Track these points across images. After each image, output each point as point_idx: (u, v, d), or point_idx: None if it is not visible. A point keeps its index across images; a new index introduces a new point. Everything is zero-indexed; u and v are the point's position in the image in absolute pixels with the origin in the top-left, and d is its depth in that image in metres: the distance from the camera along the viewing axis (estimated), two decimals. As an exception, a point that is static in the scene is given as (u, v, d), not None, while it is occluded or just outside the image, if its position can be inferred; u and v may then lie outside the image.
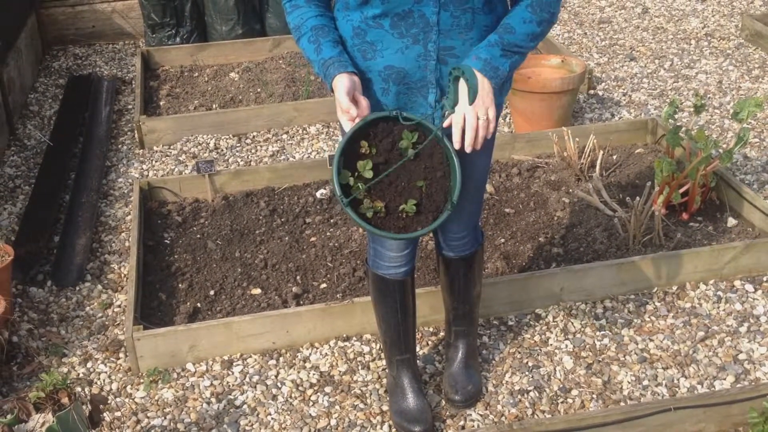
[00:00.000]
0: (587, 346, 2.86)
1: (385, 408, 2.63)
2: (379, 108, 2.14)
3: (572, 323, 2.97)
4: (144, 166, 4.15)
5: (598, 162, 3.74)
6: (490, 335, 2.93)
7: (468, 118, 2.00)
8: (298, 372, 2.80)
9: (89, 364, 2.89)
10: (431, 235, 2.58)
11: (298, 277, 3.21)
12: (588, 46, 5.38)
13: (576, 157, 3.78)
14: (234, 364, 2.85)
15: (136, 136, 4.31)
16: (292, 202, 3.70)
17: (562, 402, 2.64)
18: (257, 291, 3.14)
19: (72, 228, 3.58)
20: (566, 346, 2.87)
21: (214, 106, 4.71)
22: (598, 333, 2.92)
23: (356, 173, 1.98)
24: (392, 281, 2.45)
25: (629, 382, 2.70)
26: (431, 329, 2.95)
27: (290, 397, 2.70)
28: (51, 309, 3.17)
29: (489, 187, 3.70)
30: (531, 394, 2.67)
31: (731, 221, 3.39)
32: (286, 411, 2.65)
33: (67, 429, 2.14)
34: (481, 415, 2.60)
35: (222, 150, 4.27)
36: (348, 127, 1.99)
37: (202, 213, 3.64)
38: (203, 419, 2.64)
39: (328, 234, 3.47)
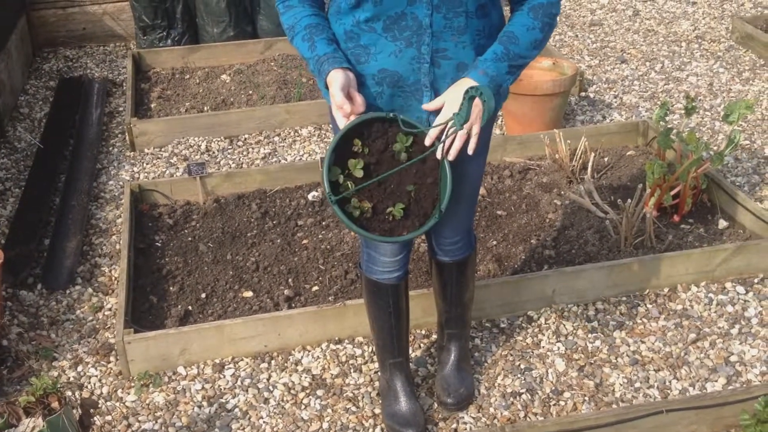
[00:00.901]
0: (579, 349, 2.87)
1: (377, 411, 2.63)
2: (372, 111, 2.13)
3: (564, 325, 2.97)
4: (135, 169, 4.14)
5: (590, 164, 3.74)
6: (483, 338, 2.93)
7: (461, 134, 1.98)
8: (290, 375, 2.79)
9: (80, 368, 2.87)
10: (424, 237, 2.58)
11: (290, 280, 3.20)
12: (579, 49, 5.39)
13: (567, 160, 3.78)
14: (225, 367, 2.83)
15: (127, 138, 4.30)
16: (283, 204, 3.70)
17: (554, 404, 2.64)
18: (249, 294, 3.13)
19: (62, 231, 3.56)
20: (558, 348, 2.87)
21: (205, 108, 4.69)
22: (590, 335, 2.93)
23: (346, 171, 1.97)
24: (386, 285, 2.44)
25: (621, 385, 2.71)
26: (423, 332, 2.95)
27: (282, 400, 2.69)
28: (41, 312, 3.16)
29: (481, 189, 3.70)
30: (523, 396, 2.67)
31: (722, 223, 3.40)
32: (278, 414, 2.64)
33: (57, 433, 2.13)
34: (473, 418, 2.59)
35: (213, 152, 4.26)
36: (341, 123, 1.98)
37: (194, 215, 3.63)
38: (195, 423, 2.62)
39: (320, 236, 3.46)
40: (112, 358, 2.90)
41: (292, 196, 3.75)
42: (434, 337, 2.90)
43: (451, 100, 2.01)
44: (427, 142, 1.99)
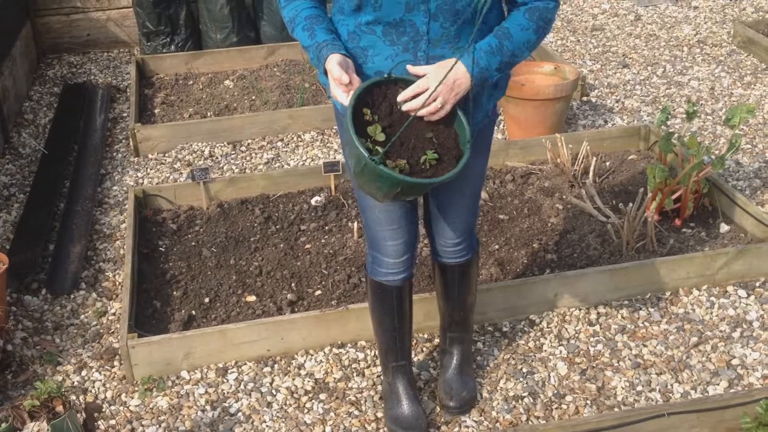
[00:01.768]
0: (581, 352, 2.87)
1: (380, 415, 2.64)
2: None
3: (566, 329, 2.98)
4: (139, 174, 4.16)
5: (591, 168, 3.75)
6: (485, 341, 2.94)
7: (427, 93, 2.00)
8: (293, 379, 2.80)
9: (84, 373, 2.89)
10: (427, 240, 2.59)
11: (293, 284, 3.22)
12: (581, 53, 5.40)
13: (569, 164, 3.79)
14: (229, 371, 2.85)
15: (131, 144, 4.32)
16: (286, 209, 3.71)
17: (556, 408, 2.65)
18: (252, 298, 3.15)
19: (67, 236, 3.58)
20: (560, 351, 2.88)
21: (208, 113, 4.72)
22: (592, 339, 2.93)
23: (369, 139, 2.00)
24: (390, 287, 2.45)
25: (623, 388, 2.71)
26: (426, 336, 2.96)
27: (285, 404, 2.71)
28: (45, 317, 3.18)
29: (483, 194, 3.72)
30: (525, 400, 2.68)
31: (724, 227, 3.41)
32: (281, 418, 2.65)
33: (61, 437, 2.14)
34: (475, 422, 2.60)
35: (217, 158, 4.27)
36: (343, 98, 2.02)
37: (197, 220, 3.65)
38: (198, 427, 2.64)
39: (322, 241, 3.48)
40: (116, 363, 2.92)
41: (295, 201, 3.77)
42: (437, 341, 2.91)
43: (434, 75, 2.02)
44: (400, 98, 2.02)
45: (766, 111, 4.50)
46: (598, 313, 3.05)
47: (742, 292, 3.12)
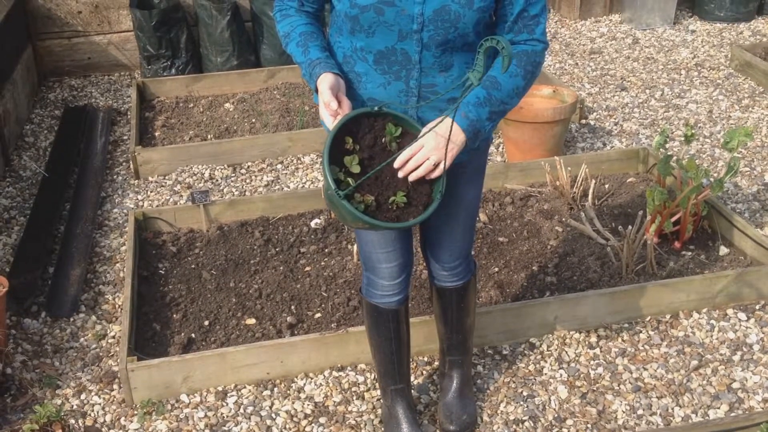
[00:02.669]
0: (582, 375, 2.87)
1: (379, 438, 2.63)
2: None
3: (566, 352, 2.97)
4: (139, 197, 4.17)
5: (591, 191, 3.77)
6: (485, 364, 2.93)
7: (422, 152, 2.01)
8: (293, 403, 2.79)
9: (83, 396, 2.88)
10: (425, 264, 2.60)
11: (292, 307, 3.21)
12: (579, 77, 5.43)
13: (568, 186, 3.80)
14: (228, 394, 2.84)
15: (132, 166, 4.33)
16: (286, 231, 3.72)
17: None
18: (252, 321, 3.15)
19: (66, 259, 3.58)
20: (561, 375, 2.87)
21: (209, 136, 4.73)
22: (592, 362, 2.93)
23: (343, 168, 2.00)
24: (386, 310, 2.45)
25: (624, 412, 2.71)
26: (425, 359, 2.96)
27: (285, 428, 2.69)
28: (45, 340, 3.17)
29: (482, 216, 3.73)
30: (526, 423, 2.67)
31: (723, 250, 3.41)
32: (280, 442, 2.64)
33: (60, 462, 2.13)
34: (476, 446, 2.59)
35: (217, 180, 4.29)
36: (329, 122, 2.02)
37: (197, 243, 3.65)
38: (197, 451, 2.62)
39: (322, 263, 3.48)
40: (115, 386, 2.91)
41: (295, 223, 3.77)
42: (436, 364, 2.91)
43: (429, 139, 2.02)
44: (397, 165, 2.02)
45: (764, 134, 4.53)
46: (599, 336, 3.05)
47: (742, 315, 3.12)
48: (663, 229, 3.38)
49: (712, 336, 3.04)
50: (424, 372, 2.91)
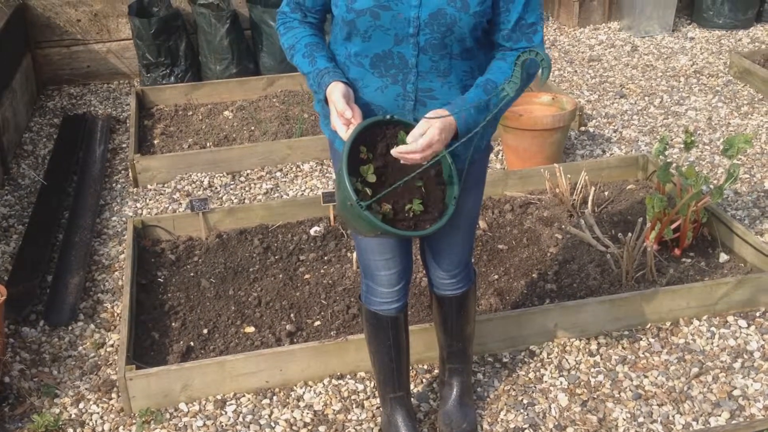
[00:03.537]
0: (582, 383, 2.86)
1: (379, 447, 2.61)
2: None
3: (567, 360, 2.96)
4: (138, 205, 4.16)
5: (590, 198, 3.76)
6: (485, 372, 2.92)
7: (420, 142, 1.97)
8: (292, 411, 2.78)
9: (81, 405, 2.87)
10: (425, 271, 2.60)
11: (291, 315, 3.21)
12: (578, 84, 5.44)
13: (568, 194, 3.80)
14: (227, 403, 2.83)
15: (130, 174, 4.33)
16: (285, 239, 3.71)
17: (557, 440, 2.63)
18: (251, 329, 3.13)
19: (65, 267, 3.57)
20: (561, 382, 2.86)
21: (208, 144, 4.73)
22: (592, 369, 2.92)
23: (360, 178, 2.01)
24: (385, 318, 2.45)
25: (624, 420, 2.70)
26: (425, 367, 2.94)
27: (284, 436, 2.68)
28: (43, 349, 3.16)
29: (482, 224, 3.72)
30: (526, 431, 2.66)
31: (723, 257, 3.41)
32: (279, 451, 2.63)
33: (58, 471, 2.12)
34: (476, 454, 2.58)
35: (216, 188, 4.28)
36: (343, 133, 2.02)
37: (196, 251, 3.65)
38: (196, 460, 2.61)
39: (321, 271, 3.47)
40: (113, 395, 2.89)
41: (294, 231, 3.76)
42: (436, 371, 2.90)
43: (429, 129, 2.00)
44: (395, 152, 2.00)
45: (764, 141, 4.52)
46: (599, 343, 3.04)
47: (742, 322, 3.11)
48: (663, 236, 3.38)
49: (712, 343, 3.03)
50: (424, 380, 2.90)
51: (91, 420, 2.80)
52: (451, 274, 2.49)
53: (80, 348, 3.16)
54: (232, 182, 4.33)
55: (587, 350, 3.00)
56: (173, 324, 3.18)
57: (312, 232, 3.74)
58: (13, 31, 5.19)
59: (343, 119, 2.02)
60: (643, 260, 3.30)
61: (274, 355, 2.86)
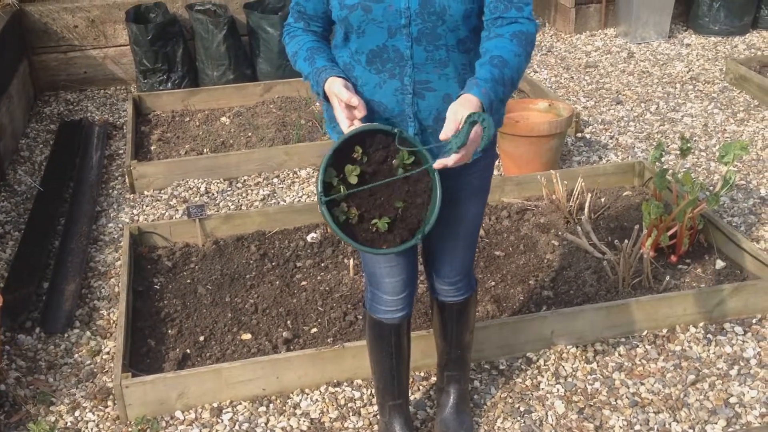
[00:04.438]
0: (579, 390, 2.86)
1: (376, 455, 2.61)
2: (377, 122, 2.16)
3: (563, 367, 2.96)
4: (134, 211, 4.16)
5: (587, 205, 3.76)
6: (482, 379, 2.92)
7: (454, 157, 1.93)
8: (288, 419, 2.78)
9: (77, 413, 2.86)
10: (425, 277, 2.59)
11: (288, 322, 3.20)
12: (575, 90, 5.44)
13: (565, 200, 3.80)
14: (223, 411, 2.82)
15: (127, 181, 4.32)
16: (282, 246, 3.71)
17: (554, 447, 2.63)
18: (247, 336, 3.13)
19: (61, 274, 3.57)
20: (558, 390, 2.86)
21: (205, 150, 4.73)
22: (589, 377, 2.92)
23: (342, 175, 1.99)
24: (388, 325, 2.44)
25: (621, 427, 2.69)
26: (422, 374, 2.94)
27: (280, 444, 2.68)
28: (39, 356, 3.15)
29: (480, 230, 3.71)
30: (523, 439, 2.66)
31: (719, 263, 3.41)
32: (276, 459, 2.62)
33: (53, 480, 2.12)
34: (473, 462, 2.57)
35: (213, 194, 4.28)
36: (345, 126, 2.01)
37: (193, 258, 3.64)
38: (192, 468, 2.60)
39: (318, 278, 3.47)
40: (109, 403, 2.89)
41: (291, 237, 3.76)
42: (433, 379, 2.89)
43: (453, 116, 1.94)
44: (437, 165, 1.94)
45: (760, 147, 4.53)
46: (596, 350, 3.04)
47: (738, 329, 3.11)
48: (659, 242, 3.38)
49: (708, 350, 3.03)
50: (421, 387, 2.89)
51: (86, 428, 2.79)
52: (452, 281, 2.49)
53: (76, 355, 3.15)
54: (229, 188, 4.33)
55: (584, 357, 3.00)
56: (169, 331, 3.17)
57: (309, 238, 3.74)
58: (9, 36, 5.20)
59: (347, 111, 2.01)
60: (640, 267, 3.30)
61: (270, 363, 2.86)
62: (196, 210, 3.71)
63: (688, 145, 3.51)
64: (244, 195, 4.28)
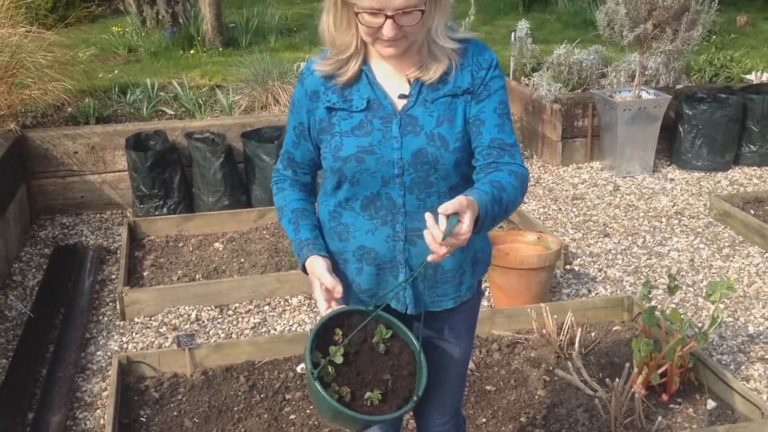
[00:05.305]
0: None
1: None
2: (355, 287, 2.21)
3: None
4: (124, 339, 4.14)
5: (577, 339, 3.78)
6: None
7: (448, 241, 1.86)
8: None
9: None
10: (412, 416, 2.57)
11: (276, 459, 3.14)
12: (563, 222, 5.55)
13: (555, 334, 3.82)
14: None
15: (118, 307, 4.32)
16: (272, 377, 3.68)
17: None
18: (234, 473, 3.06)
19: (47, 404, 3.51)
20: None
21: (197, 276, 4.76)
22: None
23: (327, 357, 2.01)
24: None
25: None
26: None
27: None
28: (18, 491, 3.06)
29: (470, 363, 3.71)
30: None
31: (710, 403, 3.40)
32: None
33: None
34: None
35: (203, 322, 4.27)
36: (323, 307, 2.06)
37: (180, 389, 3.60)
38: None
39: (307, 411, 3.43)
40: None
41: (281, 368, 3.74)
42: None
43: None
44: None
45: (746, 284, 4.59)
46: (588, 493, 2.98)
47: (733, 472, 3.07)
48: (650, 380, 3.37)
49: (703, 494, 2.98)
50: None
51: None
52: (441, 422, 2.47)
53: (57, 491, 3.06)
54: (220, 316, 4.33)
55: (577, 500, 2.94)
56: (154, 467, 3.10)
57: (299, 369, 3.71)
58: (10, 162, 5.30)
59: (327, 294, 2.07)
60: (632, 405, 3.29)
61: (256, 503, 2.79)
62: (186, 339, 3.70)
63: (676, 282, 3.56)
64: (234, 323, 4.27)
